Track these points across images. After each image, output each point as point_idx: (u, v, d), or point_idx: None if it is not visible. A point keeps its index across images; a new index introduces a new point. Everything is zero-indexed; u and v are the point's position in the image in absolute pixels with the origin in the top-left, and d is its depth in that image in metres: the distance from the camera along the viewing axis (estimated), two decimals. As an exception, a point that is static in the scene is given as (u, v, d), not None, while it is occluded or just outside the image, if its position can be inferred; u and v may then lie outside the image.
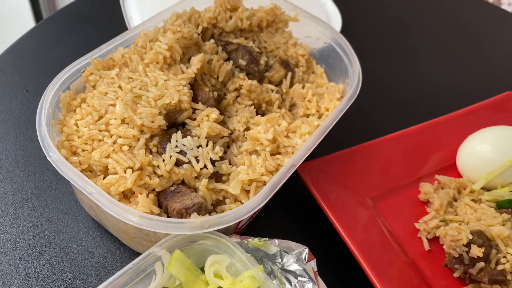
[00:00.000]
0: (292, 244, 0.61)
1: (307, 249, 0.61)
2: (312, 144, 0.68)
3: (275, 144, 0.69)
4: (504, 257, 0.69)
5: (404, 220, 0.80)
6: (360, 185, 0.81)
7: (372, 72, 1.10)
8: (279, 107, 0.80)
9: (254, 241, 0.61)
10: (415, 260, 0.75)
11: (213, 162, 0.63)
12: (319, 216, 0.76)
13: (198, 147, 0.63)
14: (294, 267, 0.61)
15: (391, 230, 0.78)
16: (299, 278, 0.59)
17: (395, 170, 0.85)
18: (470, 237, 0.70)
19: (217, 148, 0.64)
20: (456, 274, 0.73)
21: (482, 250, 0.68)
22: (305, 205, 0.81)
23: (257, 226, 0.77)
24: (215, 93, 0.74)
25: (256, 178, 0.63)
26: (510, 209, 0.76)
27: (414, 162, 0.87)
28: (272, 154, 0.68)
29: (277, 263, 0.62)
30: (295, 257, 0.61)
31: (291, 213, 0.81)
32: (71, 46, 1.04)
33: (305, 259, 0.61)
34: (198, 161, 0.62)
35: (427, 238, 0.77)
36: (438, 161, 0.89)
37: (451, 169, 0.88)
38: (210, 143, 0.64)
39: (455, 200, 0.81)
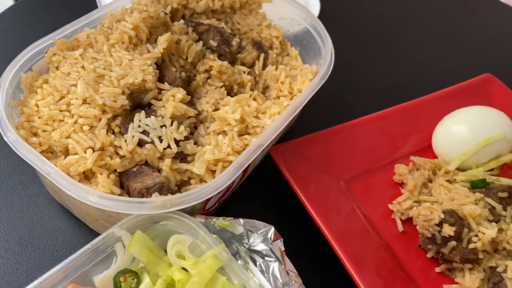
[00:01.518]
0: (258, 223, 0.60)
1: (273, 228, 0.60)
2: (281, 124, 0.67)
3: (244, 124, 0.67)
4: (476, 235, 0.68)
5: (378, 201, 0.79)
6: (334, 167, 0.80)
7: (350, 56, 1.10)
8: (252, 89, 0.79)
9: (219, 221, 0.60)
10: (389, 242, 0.74)
11: (177, 142, 0.62)
12: (294, 198, 0.75)
13: (162, 127, 0.62)
14: (261, 246, 0.60)
15: (365, 212, 0.77)
16: (265, 258, 0.58)
17: (371, 152, 0.84)
18: (442, 216, 0.69)
19: (182, 128, 0.62)
20: (429, 255, 0.72)
21: (454, 229, 0.67)
22: (280, 187, 0.80)
23: (231, 208, 0.76)
24: (183, 74, 0.72)
25: (222, 158, 0.62)
26: (483, 189, 0.75)
27: (390, 144, 0.86)
28: (241, 135, 0.67)
29: (244, 244, 0.61)
30: (262, 237, 0.60)
31: (266, 195, 0.80)
32: (44, 29, 1.01)
33: (271, 238, 0.59)
34: (161, 141, 0.60)
35: (401, 220, 0.76)
36: (414, 143, 0.88)
37: (428, 150, 0.87)
38: (175, 123, 0.63)
39: (430, 181, 0.80)
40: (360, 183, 0.80)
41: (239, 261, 0.57)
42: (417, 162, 0.82)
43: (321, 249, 0.73)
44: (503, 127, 0.79)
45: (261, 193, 0.80)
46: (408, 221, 0.77)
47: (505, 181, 0.76)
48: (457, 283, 0.70)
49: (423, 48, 1.17)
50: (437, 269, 0.72)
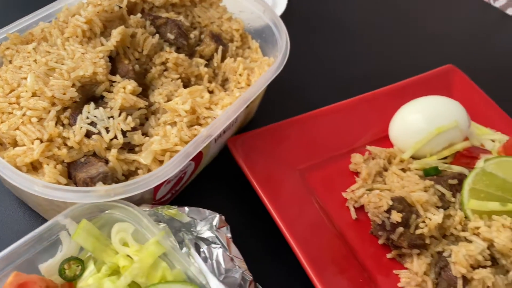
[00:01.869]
0: (203, 211, 0.61)
1: (218, 216, 0.61)
2: (232, 114, 0.68)
3: (195, 115, 0.68)
4: (423, 221, 0.69)
5: (334, 190, 0.80)
6: (291, 157, 0.81)
7: (314, 48, 1.11)
8: (210, 81, 0.80)
9: (165, 210, 0.61)
10: (343, 230, 0.76)
11: (125, 133, 0.63)
12: (252, 189, 0.76)
13: (110, 118, 0.63)
14: (207, 234, 0.61)
15: (321, 201, 0.78)
16: (211, 245, 0.59)
17: (329, 143, 0.85)
18: (390, 203, 0.71)
19: (129, 118, 0.63)
20: (380, 241, 0.74)
21: (401, 215, 0.69)
22: (239, 178, 0.81)
23: (188, 199, 0.77)
24: (137, 66, 0.73)
25: (169, 148, 0.63)
26: (435, 176, 0.77)
27: (349, 135, 0.87)
28: (192, 126, 0.68)
29: (192, 232, 0.62)
30: (208, 224, 0.61)
31: (225, 186, 0.81)
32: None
33: (216, 225, 0.61)
34: (108, 131, 0.62)
35: (354, 207, 0.78)
36: (373, 133, 0.90)
37: (386, 140, 0.88)
38: (124, 114, 0.64)
39: (386, 170, 0.82)
40: (316, 173, 0.82)
41: (184, 249, 0.58)
42: (373, 152, 0.84)
43: (276, 238, 0.74)
44: (456, 116, 0.80)
45: (220, 184, 0.81)
46: (362, 209, 0.78)
47: (456, 168, 0.77)
48: (406, 268, 0.72)
49: (387, 39, 1.18)
50: (388, 255, 0.73)
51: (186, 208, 0.61)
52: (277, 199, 0.74)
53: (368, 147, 0.85)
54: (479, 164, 0.73)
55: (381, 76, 1.01)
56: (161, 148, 0.62)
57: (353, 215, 0.77)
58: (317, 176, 0.81)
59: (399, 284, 0.71)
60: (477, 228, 0.68)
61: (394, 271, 0.72)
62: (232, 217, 0.76)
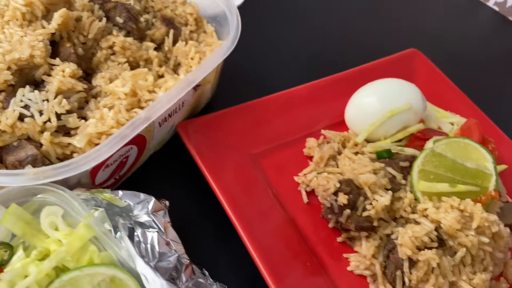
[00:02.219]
0: (137, 194, 0.60)
1: (153, 199, 0.60)
2: (175, 97, 0.67)
3: (136, 98, 0.67)
4: (371, 204, 0.68)
5: (287, 175, 0.79)
6: (244, 142, 0.80)
7: (275, 34, 1.10)
8: (160, 65, 0.79)
9: (101, 194, 0.60)
10: (295, 215, 0.75)
11: (59, 116, 0.61)
12: (203, 175, 0.75)
13: (44, 101, 0.61)
14: (144, 218, 0.60)
15: (274, 186, 0.77)
16: (146, 229, 0.58)
17: (284, 127, 0.84)
18: (338, 185, 0.69)
19: (64, 101, 0.62)
20: (330, 224, 0.73)
21: (347, 197, 0.68)
22: (190, 165, 0.80)
23: (136, 184, 0.74)
24: (80, 50, 0.71)
25: (105, 131, 0.62)
26: (387, 159, 0.76)
27: (305, 119, 0.86)
28: (133, 108, 0.67)
29: (131, 216, 0.61)
30: (145, 209, 0.60)
31: (176, 173, 0.80)
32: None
33: (151, 209, 0.60)
34: (42, 114, 0.60)
35: (306, 192, 0.77)
36: (332, 117, 0.88)
37: (343, 125, 0.87)
38: (59, 97, 0.62)
39: (340, 154, 0.81)
40: (270, 158, 0.80)
41: (118, 233, 0.57)
42: (328, 136, 0.83)
43: (228, 225, 0.73)
44: (410, 99, 0.79)
45: (172, 171, 0.80)
46: (315, 193, 0.77)
47: (409, 151, 0.76)
48: (356, 251, 0.71)
49: (351, 23, 1.17)
50: (339, 239, 0.72)
51: (120, 192, 0.60)
52: (227, 184, 0.73)
53: (322, 131, 0.84)
54: (428, 145, 0.72)
55: (343, 61, 1.00)
56: (97, 131, 0.61)
57: (305, 199, 0.76)
58: (270, 161, 0.80)
59: (348, 268, 0.70)
60: (425, 209, 0.67)
61: (344, 255, 0.71)
62: (182, 203, 0.76)
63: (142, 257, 0.56)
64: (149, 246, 0.57)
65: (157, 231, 0.58)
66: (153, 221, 0.59)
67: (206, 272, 0.67)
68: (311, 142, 0.81)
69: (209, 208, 0.75)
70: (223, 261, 0.71)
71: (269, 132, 0.83)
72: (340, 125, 0.87)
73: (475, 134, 0.80)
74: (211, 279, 0.66)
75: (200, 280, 0.64)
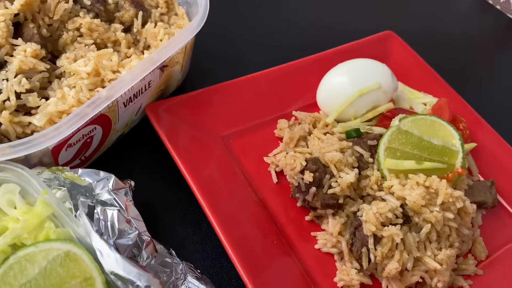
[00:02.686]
0: (97, 172, 0.60)
1: (113, 177, 0.60)
2: (138, 76, 0.66)
3: (99, 78, 0.67)
4: (336, 181, 0.68)
5: (257, 156, 0.79)
6: (214, 124, 0.80)
7: (246, 17, 1.09)
8: (129, 47, 0.78)
9: (62, 173, 0.59)
10: (265, 196, 0.74)
11: (19, 95, 0.61)
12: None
13: (4, 80, 0.61)
14: (106, 196, 0.60)
15: (243, 167, 0.77)
16: (107, 207, 0.58)
17: (256, 109, 0.84)
18: (304, 163, 0.69)
19: (24, 80, 0.62)
20: (298, 204, 0.73)
21: (312, 175, 0.68)
22: (161, 146, 0.80)
23: (104, 165, 0.74)
24: (44, 31, 0.71)
25: (66, 110, 0.61)
26: (356, 138, 0.76)
27: (277, 101, 0.86)
28: (96, 88, 0.66)
29: (94, 195, 0.61)
30: (106, 187, 0.60)
31: (145, 154, 0.79)
32: None
33: (112, 187, 0.59)
34: (0, 93, 0.60)
35: (276, 172, 0.76)
36: (304, 99, 0.88)
37: (316, 106, 0.87)
38: (19, 76, 0.62)
39: (311, 134, 0.80)
40: (241, 140, 0.80)
41: (79, 211, 0.57)
42: (299, 117, 0.83)
43: (197, 207, 0.73)
44: (379, 78, 0.79)
45: (141, 152, 0.79)
46: (284, 174, 0.77)
47: (377, 130, 0.76)
48: (323, 230, 0.71)
49: (328, 5, 1.16)
50: (307, 218, 0.72)
51: (80, 170, 0.59)
52: (196, 166, 0.72)
53: (294, 112, 0.84)
54: (394, 122, 0.72)
55: (319, 44, 0.99)
56: (57, 109, 0.60)
57: (274, 179, 0.76)
58: (241, 143, 0.80)
59: (315, 246, 0.70)
60: (391, 186, 0.67)
61: (312, 233, 0.71)
62: (152, 185, 0.76)
63: (101, 234, 0.56)
64: (109, 223, 0.57)
65: (118, 209, 0.58)
66: (114, 199, 0.59)
67: (173, 251, 0.67)
68: (282, 123, 0.81)
69: (179, 189, 0.75)
70: (191, 242, 0.71)
71: (240, 114, 0.82)
72: (313, 106, 0.87)
73: (446, 113, 0.80)
74: (177, 258, 0.66)
75: (167, 259, 0.65)
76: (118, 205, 0.59)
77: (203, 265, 0.68)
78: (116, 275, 0.49)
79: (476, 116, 0.89)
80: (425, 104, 0.86)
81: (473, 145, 0.80)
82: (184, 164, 0.71)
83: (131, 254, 0.58)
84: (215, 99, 0.82)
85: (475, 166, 0.83)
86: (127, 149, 0.79)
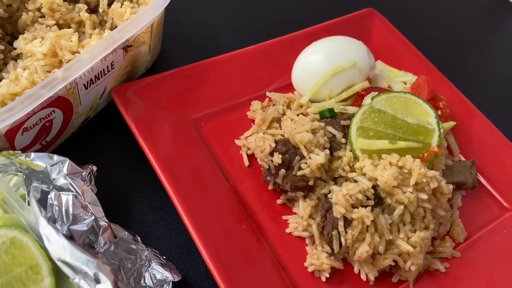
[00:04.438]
0: (51, 156, 0.57)
1: (67, 161, 0.57)
2: (96, 55, 0.63)
3: (57, 59, 0.64)
4: (306, 163, 0.66)
5: (229, 139, 0.76)
6: (184, 107, 0.77)
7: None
8: (95, 28, 0.75)
9: (15, 157, 0.57)
10: (236, 179, 0.72)
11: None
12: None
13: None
14: (62, 181, 0.57)
15: (215, 151, 0.75)
16: (62, 192, 0.56)
17: (228, 91, 0.81)
18: (273, 145, 0.67)
19: (-28, 62, 0.59)
20: (270, 187, 0.71)
21: (281, 156, 0.65)
22: (129, 131, 0.77)
23: (70, 152, 0.72)
24: (1, 11, 0.68)
25: (19, 92, 0.59)
26: (330, 119, 0.73)
27: (251, 82, 0.83)
28: (54, 69, 0.64)
29: (52, 181, 0.58)
30: (62, 172, 0.58)
31: (113, 140, 0.77)
32: None
33: (67, 171, 0.57)
34: (-52, 75, 0.57)
35: (247, 155, 0.74)
36: (280, 81, 0.85)
37: (291, 87, 0.84)
38: (-31, 58, 0.60)
39: (285, 116, 0.78)
40: (212, 122, 0.78)
41: (30, 196, 0.55)
42: (273, 98, 0.80)
43: (163, 192, 0.71)
44: (354, 56, 0.76)
45: (109, 136, 0.77)
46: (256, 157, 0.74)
47: (351, 109, 0.73)
48: (295, 213, 0.69)
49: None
50: (278, 201, 0.70)
51: (32, 154, 0.57)
52: (163, 150, 0.70)
53: (267, 93, 0.81)
54: (367, 101, 0.69)
55: (296, 23, 0.96)
56: (9, 92, 0.58)
57: (246, 162, 0.73)
58: (212, 126, 0.77)
59: (286, 230, 0.68)
60: (363, 167, 0.65)
61: (283, 217, 0.69)
62: (118, 171, 0.74)
63: (55, 220, 0.54)
64: (63, 209, 0.55)
65: (73, 194, 0.56)
66: (70, 184, 0.57)
67: (138, 238, 0.65)
68: (255, 105, 0.78)
69: (147, 175, 0.73)
70: (158, 228, 0.68)
71: (212, 95, 0.80)
72: (289, 88, 0.84)
73: (424, 91, 0.77)
74: (142, 245, 0.64)
75: (132, 246, 0.63)
76: (74, 190, 0.57)
77: (169, 252, 0.66)
78: (63, 262, 0.47)
79: (459, 94, 0.86)
80: (405, 83, 0.83)
81: (452, 123, 0.77)
82: (150, 148, 0.69)
83: (88, 241, 0.56)
84: (186, 81, 0.79)
85: (456, 146, 0.80)
86: (94, 133, 0.76)
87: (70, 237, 0.54)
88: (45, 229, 0.48)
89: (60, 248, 0.47)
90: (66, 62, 0.64)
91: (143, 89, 0.76)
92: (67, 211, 0.55)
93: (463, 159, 0.80)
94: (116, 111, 0.74)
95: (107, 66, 0.68)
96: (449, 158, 0.77)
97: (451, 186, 0.67)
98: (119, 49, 0.68)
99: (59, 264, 0.47)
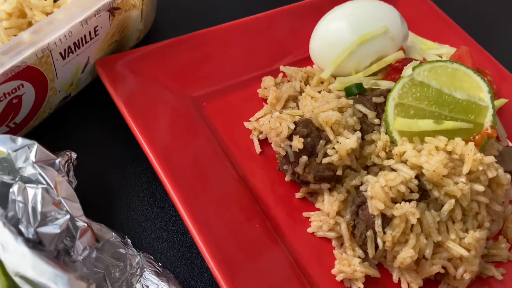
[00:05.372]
0: (14, 138, 0.45)
1: (36, 145, 0.45)
2: (73, 17, 0.51)
3: (25, 20, 0.52)
4: (333, 148, 0.54)
5: (237, 122, 0.65)
6: (182, 83, 0.65)
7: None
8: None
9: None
10: (246, 169, 0.60)
11: None
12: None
13: None
14: (29, 171, 0.45)
15: (220, 135, 0.63)
16: (28, 185, 0.44)
17: (235, 65, 0.69)
18: (292, 127, 0.55)
19: None
20: (287, 178, 0.59)
21: (302, 140, 0.53)
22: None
23: (48, 134, 0.61)
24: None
25: (-24, 60, 0.47)
26: (358, 96, 0.61)
27: (261, 55, 0.71)
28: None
29: (18, 170, 0.46)
30: (29, 158, 0.46)
31: (97, 121, 0.66)
32: None
33: (35, 158, 0.45)
34: None
35: (259, 140, 0.62)
36: (295, 54, 0.73)
37: (309, 61, 0.72)
38: None
39: (302, 93, 0.66)
40: (217, 101, 0.66)
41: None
42: (288, 73, 0.68)
43: (158, 185, 0.59)
44: (386, 21, 0.64)
45: (94, 118, 0.65)
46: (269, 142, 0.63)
47: (384, 84, 0.61)
48: (318, 209, 0.57)
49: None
50: (297, 195, 0.59)
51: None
52: (159, 135, 0.58)
53: (281, 68, 0.69)
54: (407, 72, 0.57)
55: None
56: (-36, 59, 0.46)
57: (257, 148, 0.62)
58: (217, 105, 0.65)
59: (308, 230, 0.56)
60: (403, 153, 0.53)
61: (304, 214, 0.57)
62: (105, 159, 0.62)
63: (17, 220, 0.42)
64: (29, 205, 0.43)
65: (43, 187, 0.44)
66: (40, 174, 0.45)
67: (129, 240, 0.54)
68: (267, 81, 0.67)
69: (138, 164, 0.61)
70: (153, 227, 0.57)
71: (215, 70, 0.68)
72: (305, 61, 0.72)
73: (468, 64, 0.65)
74: (133, 249, 0.53)
75: (121, 250, 0.52)
76: (44, 183, 0.45)
77: (166, 257, 0.54)
78: (22, 277, 0.35)
79: (502, 69, 0.74)
80: (441, 57, 0.71)
81: (503, 101, 0.66)
82: (143, 132, 0.57)
83: (63, 246, 0.44)
84: (185, 53, 0.67)
85: (502, 129, 0.68)
86: (76, 114, 0.65)
87: (39, 242, 0.42)
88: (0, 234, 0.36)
89: (19, 258, 0.36)
90: (39, 27, 0.52)
91: (135, 62, 0.64)
92: (34, 208, 0.43)
93: (510, 144, 0.69)
94: (103, 89, 0.62)
95: (89, 32, 0.56)
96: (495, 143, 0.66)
97: (508, 176, 0.55)
98: (104, 11, 0.56)
99: (17, 280, 0.35)
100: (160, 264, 0.52)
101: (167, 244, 0.55)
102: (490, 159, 0.52)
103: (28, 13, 0.52)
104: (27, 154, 0.45)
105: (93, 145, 0.63)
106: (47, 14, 0.54)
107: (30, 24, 0.52)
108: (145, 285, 0.50)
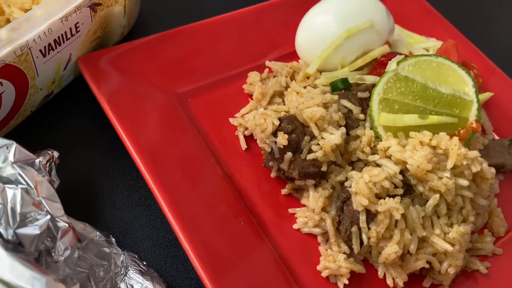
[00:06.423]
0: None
1: (14, 145, 0.45)
2: (52, 14, 0.51)
3: (3, 17, 0.51)
4: (318, 144, 0.54)
5: (222, 118, 0.64)
6: (167, 79, 0.64)
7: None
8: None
9: None
10: (231, 165, 0.60)
11: None
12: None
13: None
14: (9, 171, 0.45)
15: (205, 132, 0.62)
16: (7, 186, 0.43)
17: (220, 60, 0.68)
18: (277, 123, 0.54)
19: None
20: (272, 174, 0.59)
21: (287, 136, 0.53)
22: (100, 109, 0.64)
23: (30, 134, 0.60)
24: None
25: (-49, 58, 0.46)
26: (343, 91, 0.60)
27: (246, 50, 0.70)
28: (0, 31, 0.51)
29: (2, 170, 0.46)
30: (8, 159, 0.45)
31: (81, 119, 0.64)
32: None
33: (14, 158, 0.44)
34: None
35: (244, 136, 0.62)
36: (281, 49, 0.72)
37: (295, 56, 0.71)
38: None
39: (288, 89, 0.65)
40: (202, 97, 0.65)
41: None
42: (273, 68, 0.67)
43: (142, 183, 0.59)
44: (371, 15, 0.63)
45: (77, 116, 0.64)
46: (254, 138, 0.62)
47: (370, 79, 0.61)
48: (304, 205, 0.57)
49: None
50: (283, 191, 0.58)
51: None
52: (142, 133, 0.58)
53: (267, 63, 0.68)
54: (391, 66, 0.57)
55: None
56: None
57: (243, 145, 0.61)
58: (202, 102, 0.65)
59: (294, 226, 0.56)
60: (388, 148, 0.53)
61: (290, 210, 0.57)
62: (88, 158, 0.61)
63: (-4, 221, 0.42)
64: (8, 206, 0.43)
65: (23, 188, 0.44)
66: (19, 174, 0.44)
67: (113, 239, 0.53)
68: (252, 76, 0.66)
69: (122, 163, 0.61)
70: (137, 226, 0.56)
71: (200, 66, 0.67)
72: (292, 56, 0.71)
73: (454, 58, 0.64)
74: (117, 248, 0.52)
75: (105, 249, 0.51)
76: (24, 183, 0.44)
77: (151, 255, 0.54)
78: (-1, 280, 0.35)
79: (489, 63, 0.74)
80: (428, 50, 0.71)
81: (489, 94, 0.65)
82: (126, 129, 0.56)
83: (44, 247, 0.44)
84: (169, 49, 0.66)
85: (488, 122, 0.68)
86: (59, 112, 0.64)
87: (18, 243, 0.42)
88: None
89: (-4, 261, 0.35)
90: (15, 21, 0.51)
91: (118, 58, 0.63)
92: (13, 209, 0.42)
93: (496, 137, 0.69)
94: (86, 86, 0.61)
95: (70, 29, 0.55)
96: (481, 136, 0.66)
97: (493, 170, 0.55)
98: (85, 7, 0.55)
99: (-6, 284, 0.35)
100: (145, 263, 0.52)
101: (152, 242, 0.55)
102: (474, 153, 0.52)
103: (6, 10, 0.51)
104: (5, 154, 0.45)
105: (77, 143, 0.62)
106: (26, 11, 0.53)
107: (8, 21, 0.51)
108: (130, 284, 0.49)
